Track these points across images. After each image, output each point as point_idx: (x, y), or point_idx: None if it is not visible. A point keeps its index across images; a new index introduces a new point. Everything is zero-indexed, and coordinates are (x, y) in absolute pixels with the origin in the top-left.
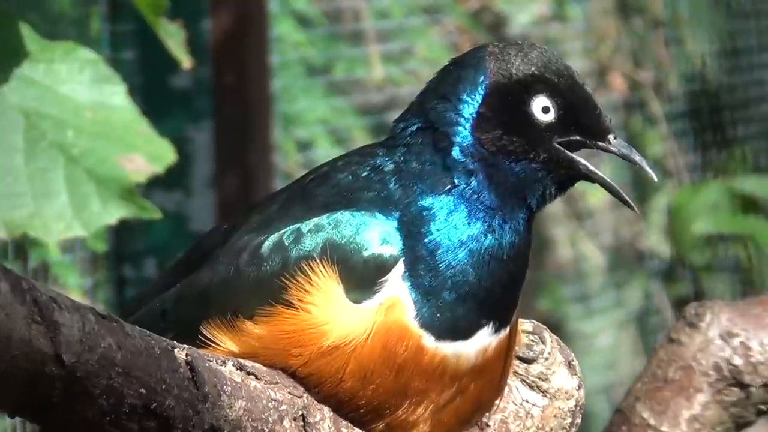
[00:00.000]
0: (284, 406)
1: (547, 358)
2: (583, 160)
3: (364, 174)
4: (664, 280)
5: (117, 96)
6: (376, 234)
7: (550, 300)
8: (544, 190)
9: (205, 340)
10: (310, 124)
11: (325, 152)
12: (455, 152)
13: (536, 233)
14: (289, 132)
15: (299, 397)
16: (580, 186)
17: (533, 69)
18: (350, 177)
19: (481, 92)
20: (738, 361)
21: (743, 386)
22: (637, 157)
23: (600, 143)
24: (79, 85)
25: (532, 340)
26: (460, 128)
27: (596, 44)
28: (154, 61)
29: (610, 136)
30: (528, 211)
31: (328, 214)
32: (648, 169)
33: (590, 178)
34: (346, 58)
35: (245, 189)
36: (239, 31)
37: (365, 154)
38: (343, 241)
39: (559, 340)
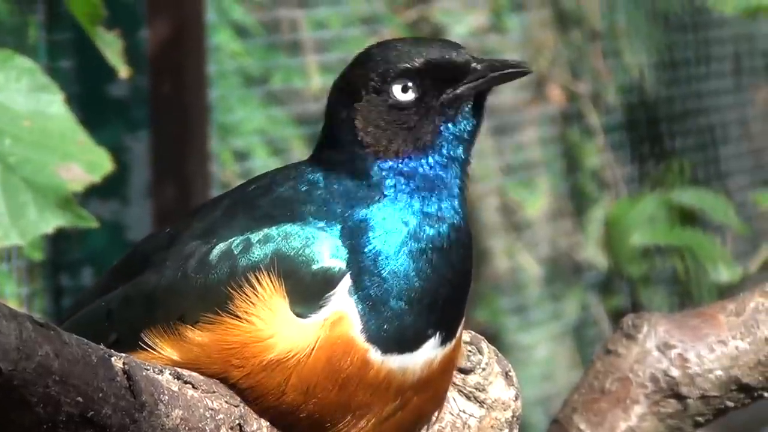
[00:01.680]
0: (221, 415)
1: (484, 369)
2: (463, 87)
3: (304, 188)
4: (601, 292)
5: (54, 105)
6: (325, 247)
7: (488, 311)
8: (463, 137)
9: (147, 349)
10: (248, 134)
11: (263, 162)
12: (370, 173)
13: (473, 244)
14: (226, 142)
15: (236, 406)
16: (519, 197)
17: (370, 74)
18: (291, 191)
19: (353, 121)
20: (675, 372)
21: (680, 398)
22: (500, 72)
23: (468, 81)
24: (16, 93)
25: (470, 351)
26: (357, 151)
27: (534, 55)
28: (91, 70)
29: (473, 65)
30: (461, 181)
31: (277, 225)
32: (517, 64)
33: (484, 90)
34: (283, 67)
35: (182, 198)
36: (176, 40)
37: (301, 170)
38: (291, 253)
39: (497, 351)
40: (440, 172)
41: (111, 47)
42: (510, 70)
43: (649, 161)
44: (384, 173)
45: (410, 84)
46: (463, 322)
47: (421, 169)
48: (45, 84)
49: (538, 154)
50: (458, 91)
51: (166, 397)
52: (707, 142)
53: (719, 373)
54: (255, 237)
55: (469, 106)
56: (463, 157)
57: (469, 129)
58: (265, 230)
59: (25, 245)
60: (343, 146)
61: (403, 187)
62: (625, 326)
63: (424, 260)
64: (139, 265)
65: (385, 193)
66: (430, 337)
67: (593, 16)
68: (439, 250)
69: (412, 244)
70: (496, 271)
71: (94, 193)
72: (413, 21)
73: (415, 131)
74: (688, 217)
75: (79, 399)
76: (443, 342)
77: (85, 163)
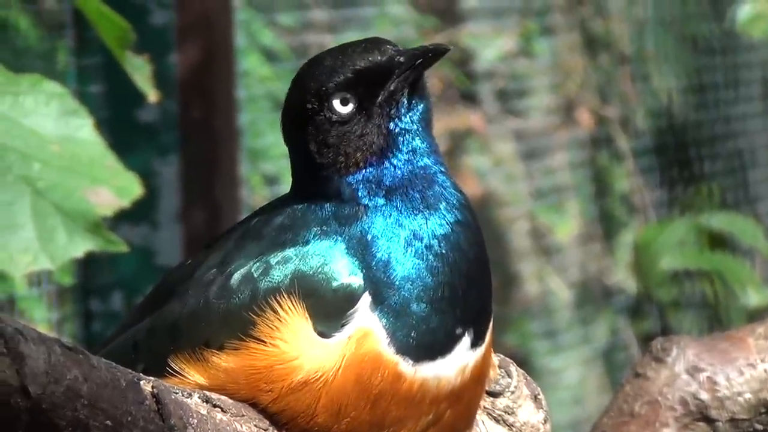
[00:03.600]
0: None
1: (513, 392)
2: (393, 82)
3: (299, 215)
4: (630, 316)
5: (83, 129)
6: (343, 264)
7: (517, 335)
8: (412, 127)
9: (174, 374)
10: (277, 159)
11: None
12: (341, 190)
13: (503, 268)
14: (256, 166)
15: (265, 430)
16: (548, 221)
17: (307, 96)
18: (289, 219)
19: (304, 141)
20: (704, 395)
21: (710, 421)
22: (422, 58)
23: (396, 75)
24: (45, 118)
25: (499, 374)
26: (321, 174)
27: (563, 80)
28: (120, 94)
29: (396, 60)
30: (437, 165)
31: (293, 247)
32: (435, 47)
33: (415, 79)
34: None
35: (212, 223)
36: (206, 65)
37: (290, 202)
38: (311, 272)
39: (526, 374)
40: (407, 167)
41: (140, 72)
42: (430, 54)
43: (678, 185)
44: (354, 187)
45: (347, 95)
46: (491, 325)
47: (387, 172)
48: (74, 108)
49: (568, 179)
50: (391, 87)
51: (195, 421)
52: (736, 166)
53: (748, 396)
54: (273, 259)
55: (406, 97)
56: (423, 146)
57: (416, 118)
58: (283, 252)
59: (55, 270)
60: (307, 173)
61: (378, 192)
62: (654, 350)
63: (431, 255)
64: (165, 297)
65: (366, 204)
66: (460, 337)
67: (622, 41)
68: (445, 241)
69: (415, 243)
70: (525, 295)
71: (123, 217)
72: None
73: (366, 138)
74: (717, 241)
75: (108, 422)
76: (473, 344)
77: (114, 187)
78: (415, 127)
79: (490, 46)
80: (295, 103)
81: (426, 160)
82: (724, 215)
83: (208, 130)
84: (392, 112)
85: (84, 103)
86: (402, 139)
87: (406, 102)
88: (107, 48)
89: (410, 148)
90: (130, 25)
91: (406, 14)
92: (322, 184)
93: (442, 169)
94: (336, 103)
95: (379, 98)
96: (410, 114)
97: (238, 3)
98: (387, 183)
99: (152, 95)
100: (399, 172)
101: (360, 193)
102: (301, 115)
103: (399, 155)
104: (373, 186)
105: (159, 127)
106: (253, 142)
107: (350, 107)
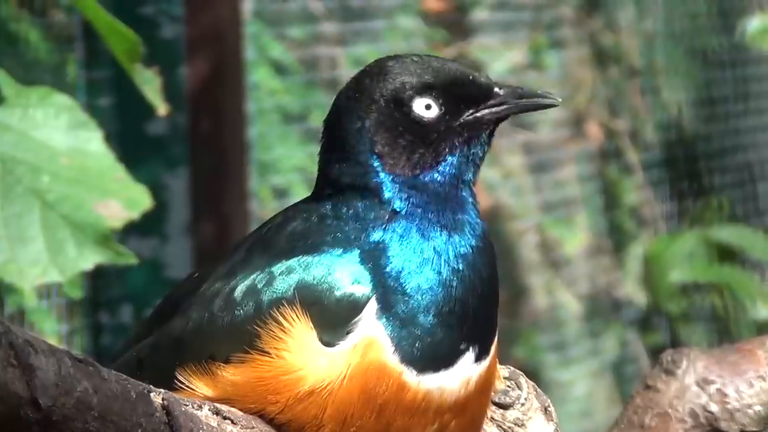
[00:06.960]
0: None
1: (523, 404)
2: (485, 111)
3: (315, 220)
4: (640, 329)
5: (93, 142)
6: (346, 273)
7: (527, 348)
8: (475, 161)
9: (181, 386)
10: (287, 172)
11: None
12: (382, 187)
13: (512, 281)
14: (265, 179)
15: None
16: (557, 234)
17: (390, 85)
18: (303, 224)
19: (368, 131)
20: (714, 408)
21: None
22: (526, 100)
23: (491, 103)
24: (55, 130)
25: (509, 386)
26: (371, 163)
27: (572, 93)
28: (130, 107)
29: (495, 90)
30: (472, 197)
31: (298, 257)
32: (543, 93)
33: (502, 117)
34: (322, 105)
35: (221, 236)
36: (215, 78)
37: (309, 204)
38: (314, 282)
39: (536, 386)
40: (451, 190)
41: (150, 85)
42: (537, 100)
43: (688, 198)
44: (397, 187)
45: (433, 100)
46: (496, 339)
47: (431, 186)
48: (84, 121)
49: (577, 192)
50: (479, 114)
51: None
52: (745, 179)
53: (758, 408)
54: (277, 270)
55: (488, 132)
56: (472, 179)
57: (481, 155)
58: (287, 262)
59: (65, 282)
60: (355, 158)
61: (416, 201)
62: (664, 362)
63: (448, 271)
64: (170, 311)
65: (397, 209)
66: (464, 351)
67: (632, 54)
68: (463, 260)
69: (434, 257)
70: (535, 308)
71: (132, 230)
72: (452, 58)
73: (431, 148)
74: (726, 254)
75: None
76: (478, 358)
77: (123, 200)
78: (477, 162)
79: (499, 59)
80: (374, 86)
81: (467, 190)
82: (734, 228)
83: (218, 143)
84: (468, 137)
85: (93, 116)
86: (461, 166)
87: (485, 137)
88: (117, 61)
89: (462, 178)
90: (140, 38)
91: (416, 27)
92: (364, 173)
93: (474, 201)
94: (419, 103)
95: (463, 119)
96: (480, 149)
97: (247, 16)
98: (428, 197)
99: (162, 108)
100: (442, 190)
101: (401, 196)
102: (375, 100)
103: (450, 179)
104: (415, 194)
105: (168, 140)
106: (262, 155)
107: (433, 113)
